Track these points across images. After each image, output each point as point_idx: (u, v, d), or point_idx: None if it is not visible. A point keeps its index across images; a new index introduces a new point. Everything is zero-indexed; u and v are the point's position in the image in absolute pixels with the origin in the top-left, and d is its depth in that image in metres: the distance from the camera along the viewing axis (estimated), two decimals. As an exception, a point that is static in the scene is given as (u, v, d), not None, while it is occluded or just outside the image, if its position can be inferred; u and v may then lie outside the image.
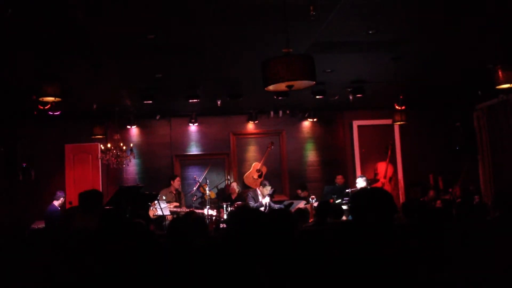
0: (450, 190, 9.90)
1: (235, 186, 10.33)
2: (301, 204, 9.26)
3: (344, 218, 7.90)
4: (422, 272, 2.26)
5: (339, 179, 10.77)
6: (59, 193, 9.37)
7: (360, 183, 9.40)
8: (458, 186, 9.96)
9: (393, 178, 11.09)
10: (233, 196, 10.01)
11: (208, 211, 8.99)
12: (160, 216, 9.09)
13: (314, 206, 8.44)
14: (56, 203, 9.24)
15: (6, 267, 3.13)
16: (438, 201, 8.95)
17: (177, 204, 9.72)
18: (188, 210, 9.49)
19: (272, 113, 11.08)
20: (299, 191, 10.48)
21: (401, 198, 10.94)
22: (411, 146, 11.17)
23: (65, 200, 9.57)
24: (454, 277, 2.40)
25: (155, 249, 3.41)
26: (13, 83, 7.62)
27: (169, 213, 9.10)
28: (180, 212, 9.48)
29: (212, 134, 11.26)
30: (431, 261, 2.36)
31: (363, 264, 2.22)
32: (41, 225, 8.58)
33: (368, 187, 9.58)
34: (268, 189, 9.42)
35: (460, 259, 2.65)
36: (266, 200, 9.29)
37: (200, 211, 9.36)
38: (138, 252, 3.25)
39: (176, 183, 10.02)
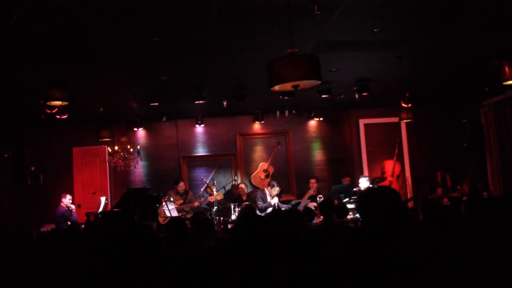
0: (458, 187, 9.85)
1: (244, 187, 10.32)
2: (309, 204, 9.24)
3: (351, 216, 7.89)
4: (432, 270, 2.25)
5: (347, 180, 10.73)
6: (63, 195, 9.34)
7: (364, 183, 9.32)
8: (466, 183, 9.91)
9: (401, 176, 11.05)
10: (244, 197, 10.01)
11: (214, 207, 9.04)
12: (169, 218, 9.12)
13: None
14: (63, 203, 9.25)
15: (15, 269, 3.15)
16: (445, 199, 8.91)
17: (181, 201, 9.68)
18: (194, 203, 9.52)
19: (278, 113, 11.08)
20: (314, 180, 10.41)
21: (409, 196, 10.90)
22: (418, 144, 11.13)
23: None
24: (463, 275, 2.39)
25: (163, 251, 3.43)
26: (20, 88, 7.67)
27: (177, 213, 9.12)
28: (187, 208, 9.49)
29: (219, 135, 11.28)
30: (442, 259, 2.35)
31: (372, 263, 2.22)
32: (50, 228, 8.63)
33: (375, 185, 9.54)
34: (276, 190, 9.40)
35: (471, 256, 2.64)
36: (274, 201, 9.28)
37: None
38: (146, 254, 3.26)
39: (179, 188, 9.76)
